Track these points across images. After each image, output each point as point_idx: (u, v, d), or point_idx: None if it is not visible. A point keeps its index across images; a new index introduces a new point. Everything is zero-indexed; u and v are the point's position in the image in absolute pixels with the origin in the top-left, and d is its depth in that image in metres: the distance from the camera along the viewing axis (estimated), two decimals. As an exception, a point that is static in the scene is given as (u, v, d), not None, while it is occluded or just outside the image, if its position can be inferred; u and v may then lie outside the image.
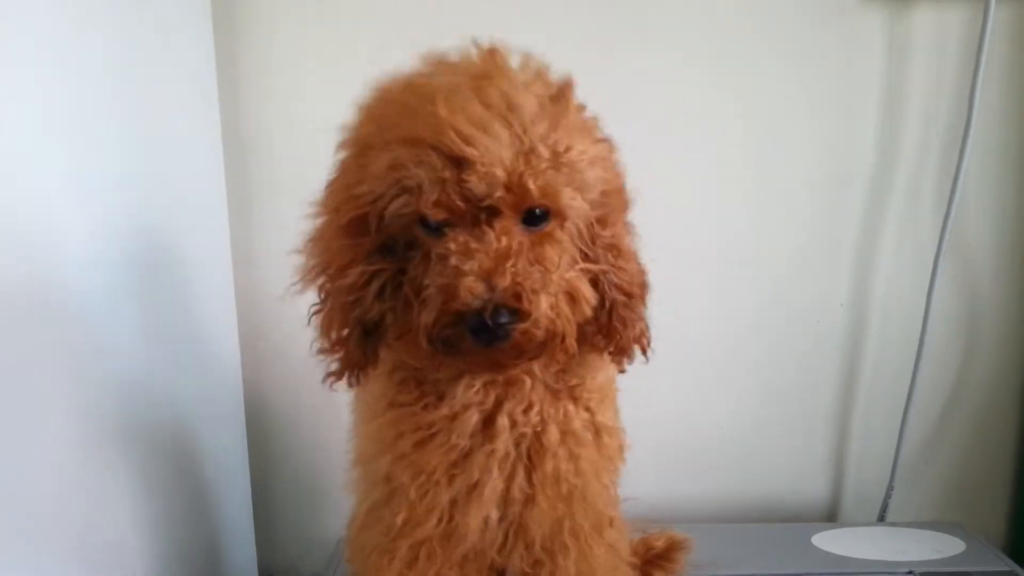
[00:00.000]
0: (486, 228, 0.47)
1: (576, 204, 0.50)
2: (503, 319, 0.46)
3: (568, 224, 0.51)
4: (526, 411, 0.56)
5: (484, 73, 0.48)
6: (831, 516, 1.09)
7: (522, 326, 0.47)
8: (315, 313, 0.54)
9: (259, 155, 0.98)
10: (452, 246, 0.47)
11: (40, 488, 0.58)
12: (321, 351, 0.54)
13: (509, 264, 0.47)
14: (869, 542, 0.92)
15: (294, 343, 1.01)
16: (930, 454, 1.07)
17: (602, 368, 0.60)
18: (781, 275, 1.03)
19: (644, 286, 0.57)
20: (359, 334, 0.52)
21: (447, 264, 0.47)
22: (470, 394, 0.55)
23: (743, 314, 1.04)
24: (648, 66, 0.97)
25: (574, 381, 0.58)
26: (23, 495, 0.56)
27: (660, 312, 1.04)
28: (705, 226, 1.01)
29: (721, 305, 1.03)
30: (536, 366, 0.55)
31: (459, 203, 0.46)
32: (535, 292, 0.47)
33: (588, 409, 0.59)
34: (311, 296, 0.56)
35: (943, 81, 0.98)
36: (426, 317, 0.47)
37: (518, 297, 0.47)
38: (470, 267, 0.46)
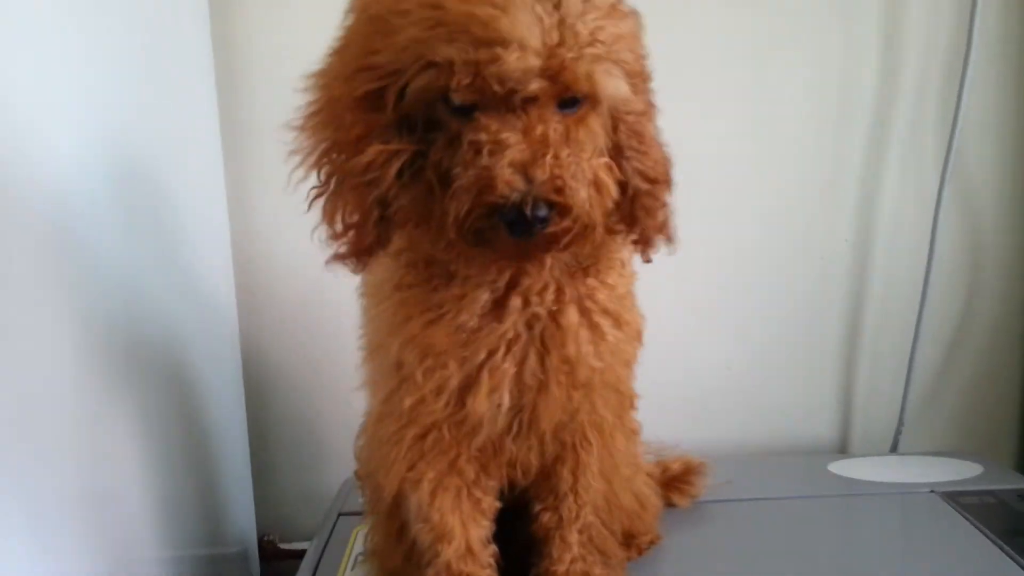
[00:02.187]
0: (521, 114, 0.44)
1: (611, 89, 0.46)
2: (542, 212, 0.43)
3: (601, 108, 0.48)
4: (541, 292, 0.53)
5: None
6: (842, 451, 1.07)
7: (562, 221, 0.44)
8: (319, 195, 0.49)
9: (252, 92, 0.95)
10: (485, 135, 0.44)
11: (37, 430, 0.54)
12: (332, 236, 0.49)
13: (549, 155, 0.44)
14: (886, 468, 0.91)
15: (289, 285, 0.99)
16: (939, 387, 1.06)
17: (618, 248, 0.57)
18: (784, 211, 1.02)
19: (668, 172, 0.54)
20: (376, 217, 0.48)
21: (481, 153, 0.44)
22: (483, 272, 0.52)
23: (747, 252, 1.02)
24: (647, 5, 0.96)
25: (589, 262, 0.55)
26: (20, 435, 0.52)
27: (664, 252, 1.03)
28: (706, 162, 0.99)
29: (725, 243, 1.01)
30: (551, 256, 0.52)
31: (494, 87, 0.43)
32: (575, 185, 0.45)
33: (607, 283, 0.56)
34: (305, 227, 0.53)
35: (941, 11, 0.98)
36: (457, 207, 0.44)
37: (559, 190, 0.44)
38: (507, 158, 0.43)
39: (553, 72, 0.43)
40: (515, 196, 0.43)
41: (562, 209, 0.44)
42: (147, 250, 0.72)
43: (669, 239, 0.56)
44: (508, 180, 0.43)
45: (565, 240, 0.46)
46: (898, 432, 1.02)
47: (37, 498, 0.53)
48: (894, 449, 1.03)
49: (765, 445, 1.05)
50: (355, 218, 0.48)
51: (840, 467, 0.91)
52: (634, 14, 0.49)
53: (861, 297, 1.04)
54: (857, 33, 0.98)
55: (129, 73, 0.70)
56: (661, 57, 0.96)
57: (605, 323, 0.55)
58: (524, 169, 0.43)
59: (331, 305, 0.97)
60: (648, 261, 0.58)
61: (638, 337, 0.60)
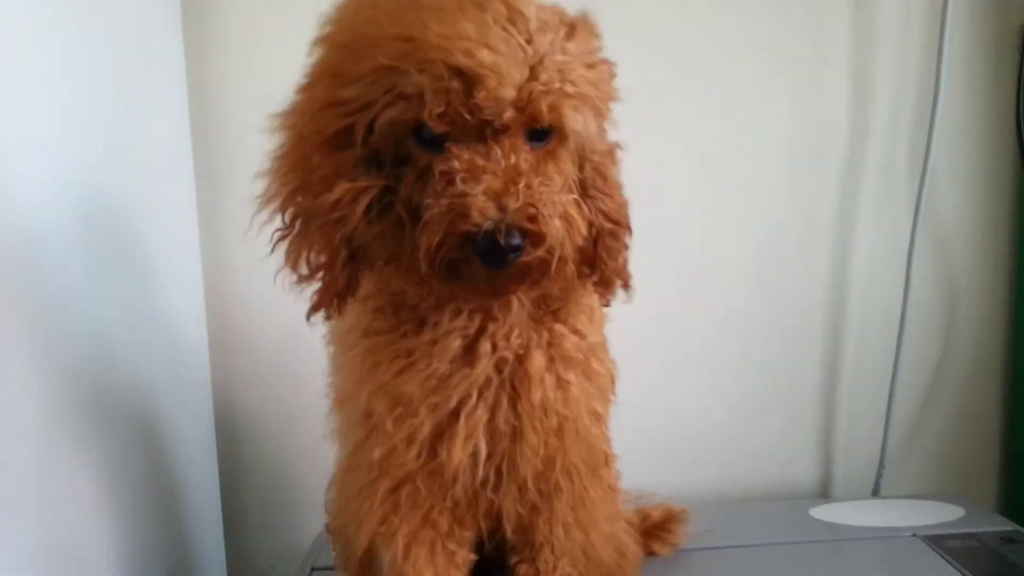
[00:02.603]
0: (492, 144, 0.44)
1: (578, 124, 0.47)
2: (516, 241, 0.43)
3: (569, 143, 0.48)
4: (508, 335, 0.52)
5: None
6: (824, 495, 1.06)
7: (535, 251, 0.44)
8: (284, 237, 0.49)
9: (227, 134, 0.95)
10: (457, 163, 0.44)
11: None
12: (300, 279, 0.49)
13: (521, 183, 0.44)
14: (868, 512, 0.90)
15: (262, 332, 0.98)
16: (919, 429, 1.05)
17: (586, 294, 0.57)
18: (760, 257, 1.02)
19: (628, 216, 0.54)
20: (344, 257, 0.48)
21: (453, 182, 0.44)
22: (453, 318, 0.51)
23: (724, 297, 1.02)
24: (618, 50, 0.97)
25: (557, 305, 0.55)
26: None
27: (640, 297, 1.03)
28: (680, 209, 1.00)
29: (701, 289, 1.02)
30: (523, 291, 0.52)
31: (466, 116, 0.43)
32: (548, 214, 0.45)
33: (576, 331, 0.55)
34: (271, 268, 0.52)
35: (908, 57, 1.00)
36: (428, 239, 0.44)
37: (532, 219, 0.44)
38: (480, 186, 0.43)
39: (523, 103, 0.44)
40: (488, 224, 0.43)
41: (535, 238, 0.44)
42: (116, 293, 0.71)
43: (626, 284, 0.56)
44: (482, 208, 0.43)
45: (537, 272, 0.46)
46: (879, 475, 1.01)
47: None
48: (876, 492, 1.02)
49: (746, 490, 1.04)
50: (322, 259, 0.48)
51: (822, 512, 0.90)
52: (606, 62, 0.50)
53: (838, 340, 1.04)
54: (827, 80, 1.00)
55: (101, 113, 0.70)
56: (635, 104, 0.98)
57: (572, 372, 0.55)
58: (497, 197, 0.43)
59: (305, 352, 0.94)
60: (607, 305, 0.58)
61: (609, 388, 0.59)
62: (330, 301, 0.49)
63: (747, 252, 1.02)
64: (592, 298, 0.57)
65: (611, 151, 0.53)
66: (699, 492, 1.02)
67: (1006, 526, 0.85)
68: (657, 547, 0.78)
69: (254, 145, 0.90)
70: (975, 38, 1.00)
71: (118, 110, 0.73)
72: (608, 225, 0.52)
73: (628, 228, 0.54)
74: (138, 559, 0.71)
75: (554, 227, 0.45)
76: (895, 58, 1.00)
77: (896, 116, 1.01)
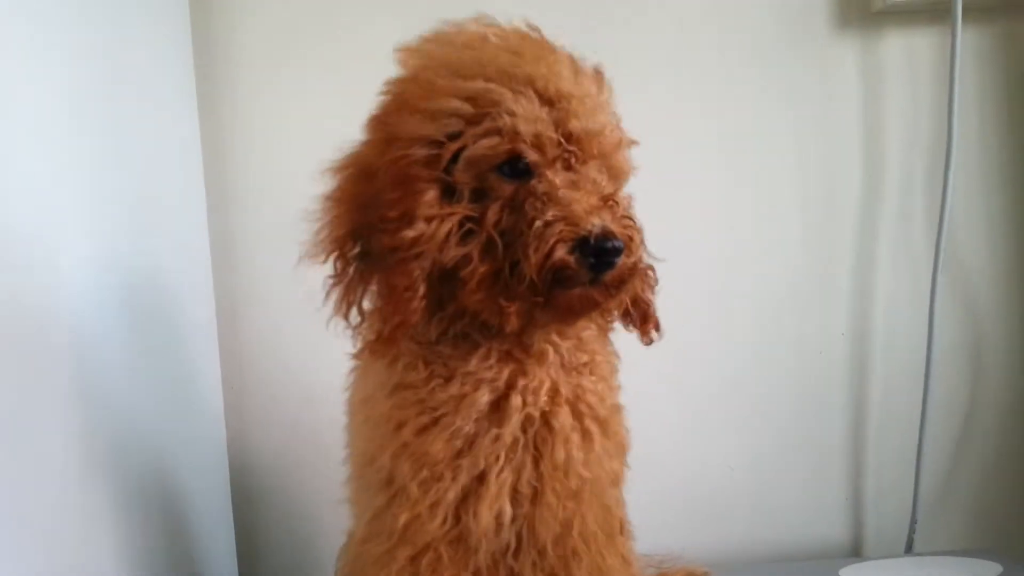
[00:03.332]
0: (580, 167, 0.49)
1: (629, 168, 0.53)
2: (619, 244, 0.47)
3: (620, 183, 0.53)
4: (537, 390, 0.52)
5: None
6: (855, 553, 1.02)
7: (627, 258, 0.48)
8: (339, 283, 0.51)
9: (243, 205, 0.96)
10: (558, 180, 0.47)
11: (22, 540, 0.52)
12: (385, 317, 0.49)
13: (610, 201, 0.49)
14: (901, 571, 0.86)
15: (279, 395, 0.97)
16: (951, 481, 1.02)
17: (610, 346, 0.57)
18: (779, 309, 1.01)
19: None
20: (423, 291, 0.49)
21: (555, 200, 0.47)
22: (483, 369, 0.52)
23: (743, 351, 1.01)
24: (628, 104, 0.98)
25: (585, 358, 0.55)
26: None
27: (659, 352, 1.02)
28: (695, 261, 0.99)
29: (719, 343, 1.00)
30: (561, 338, 0.54)
31: (559, 145, 0.47)
32: (634, 229, 0.50)
33: (602, 385, 0.55)
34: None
35: (920, 103, 1.00)
36: (540, 249, 0.46)
37: (626, 227, 0.49)
38: (582, 202, 0.47)
39: (604, 133, 0.50)
40: (597, 228, 0.46)
41: (628, 245, 0.48)
42: (132, 357, 0.71)
43: (658, 325, 0.59)
44: (589, 216, 0.46)
45: (623, 285, 0.50)
46: (912, 531, 0.98)
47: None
48: (909, 549, 0.98)
49: (773, 550, 1.01)
50: (408, 294, 0.48)
51: (852, 571, 0.87)
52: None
53: (863, 391, 1.02)
54: (839, 129, 1.00)
55: (121, 183, 0.71)
56: (650, 156, 0.99)
57: (595, 429, 0.54)
58: (596, 210, 0.47)
59: (322, 414, 0.95)
60: (649, 342, 0.58)
61: (623, 452, 0.58)
62: (403, 332, 0.50)
63: (764, 304, 1.00)
64: (608, 351, 0.57)
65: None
66: (724, 552, 0.99)
67: (1048, 584, 0.81)
68: (679, 612, 0.76)
69: (269, 215, 0.92)
70: (986, 80, 1.00)
71: (135, 182, 0.75)
72: (644, 261, 0.55)
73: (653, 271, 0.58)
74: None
75: (637, 237, 0.50)
76: (906, 105, 1.00)
77: (910, 162, 1.00)
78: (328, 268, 0.51)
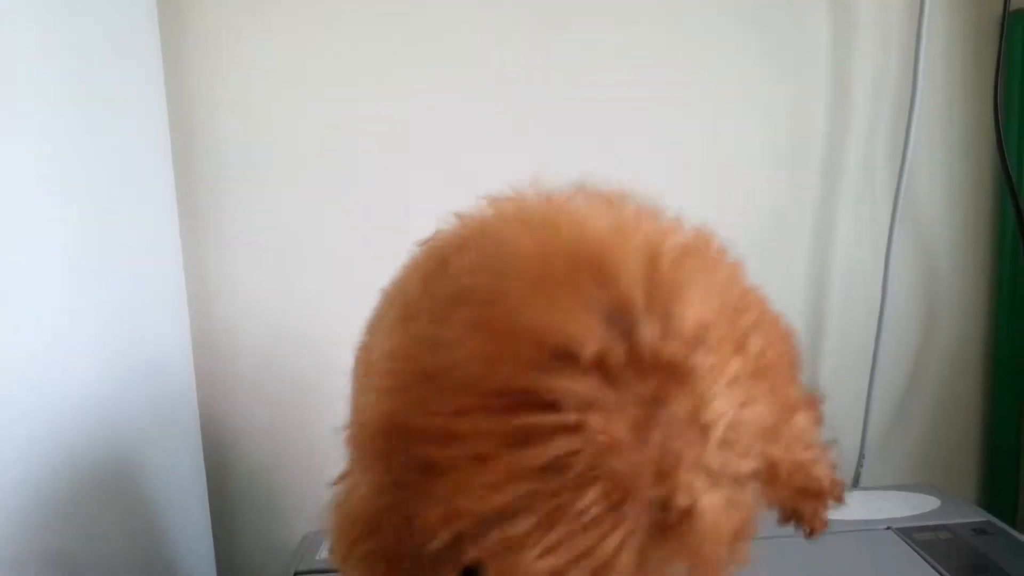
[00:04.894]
0: None
1: None
2: None
3: None
4: None
5: None
6: (804, 488, 1.07)
7: None
8: None
9: (210, 173, 0.96)
10: None
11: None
12: None
13: None
14: (846, 505, 0.91)
15: (247, 337, 0.99)
16: (898, 422, 1.06)
17: None
18: (738, 251, 1.02)
19: None
20: None
21: None
22: None
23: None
24: (596, 52, 0.98)
25: None
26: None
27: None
28: (656, 200, 1.00)
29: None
30: None
31: None
32: None
33: None
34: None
35: (888, 52, 1.00)
36: None
37: None
38: None
39: None
40: None
41: None
42: (102, 326, 0.72)
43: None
44: None
45: None
46: (859, 466, 1.03)
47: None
48: (856, 483, 1.03)
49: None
50: None
51: (800, 504, 0.91)
52: None
53: (818, 337, 1.05)
54: (804, 79, 1.00)
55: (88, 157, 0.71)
56: (611, 105, 1.00)
57: None
58: None
59: (292, 356, 0.98)
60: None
61: None
62: None
63: (730, 244, 1.02)
64: None
65: None
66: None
67: (980, 517, 0.85)
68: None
69: (237, 185, 0.91)
70: (954, 32, 1.00)
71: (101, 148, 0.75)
72: None
73: None
74: (128, 567, 0.73)
75: None
76: (874, 56, 1.00)
77: (875, 110, 1.01)
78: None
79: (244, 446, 1.00)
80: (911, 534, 0.81)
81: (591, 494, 0.29)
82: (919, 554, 0.77)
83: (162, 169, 0.89)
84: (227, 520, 1.01)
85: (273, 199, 0.96)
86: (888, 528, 0.83)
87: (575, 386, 0.29)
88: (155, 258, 0.86)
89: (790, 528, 0.85)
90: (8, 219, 0.57)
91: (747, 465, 0.33)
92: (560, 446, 0.29)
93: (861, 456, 1.02)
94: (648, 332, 0.31)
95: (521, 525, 0.29)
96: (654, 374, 0.30)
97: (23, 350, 0.58)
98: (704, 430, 0.31)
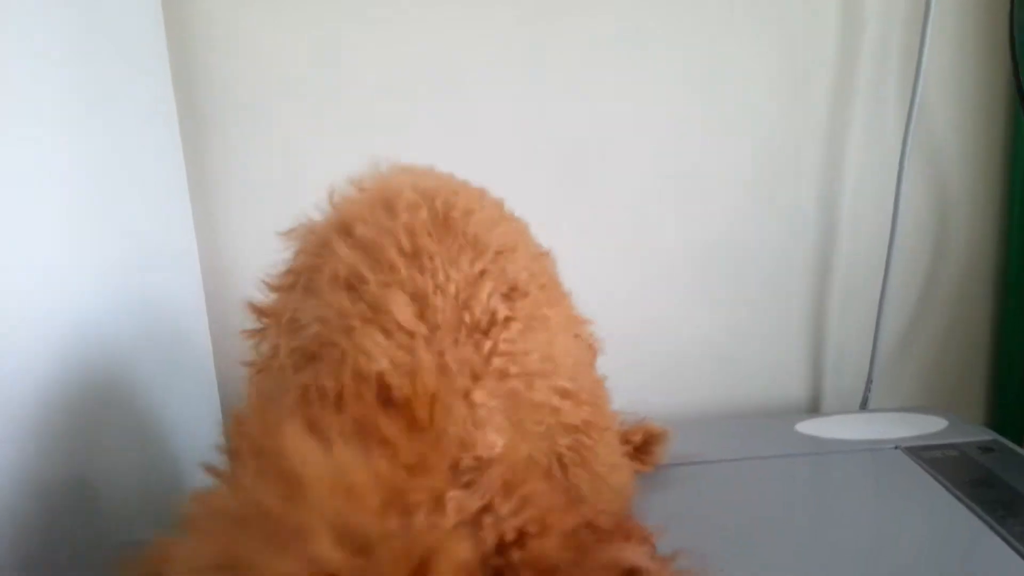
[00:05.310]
0: None
1: None
2: None
3: None
4: None
5: None
6: (812, 411, 1.07)
7: None
8: None
9: (215, 112, 0.94)
10: None
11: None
12: None
13: None
14: (853, 426, 0.91)
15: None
16: (908, 343, 1.06)
17: None
18: (749, 177, 1.01)
19: None
20: None
21: None
22: None
23: (712, 216, 1.02)
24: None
25: None
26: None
27: (631, 223, 1.02)
28: (666, 131, 0.99)
29: (688, 208, 1.01)
30: None
31: None
32: None
33: None
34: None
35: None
36: None
37: None
38: None
39: None
40: None
41: None
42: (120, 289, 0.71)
43: None
44: None
45: None
46: (867, 389, 1.02)
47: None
48: (864, 406, 1.03)
49: (735, 408, 1.06)
50: None
51: (807, 427, 0.92)
52: None
53: (828, 258, 1.04)
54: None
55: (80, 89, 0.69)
56: (623, 26, 0.97)
57: None
58: None
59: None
60: None
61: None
62: None
63: (735, 172, 1.01)
64: None
65: None
66: (688, 411, 1.04)
67: (986, 436, 0.86)
68: (639, 467, 0.80)
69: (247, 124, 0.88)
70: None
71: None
72: None
73: None
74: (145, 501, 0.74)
75: None
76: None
77: (886, 36, 0.98)
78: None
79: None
80: (919, 453, 0.82)
81: None
82: (927, 471, 0.77)
83: (165, 102, 0.87)
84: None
85: (279, 135, 0.95)
86: (896, 447, 0.84)
87: None
88: (162, 195, 0.85)
89: (804, 446, 0.86)
90: (20, 161, 0.56)
91: None
92: None
93: (869, 380, 1.02)
94: None
95: None
96: None
97: (35, 290, 0.58)
98: None
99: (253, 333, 0.54)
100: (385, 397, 0.36)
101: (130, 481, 0.72)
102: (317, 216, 0.58)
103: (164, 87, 0.88)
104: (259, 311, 0.53)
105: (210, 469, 0.37)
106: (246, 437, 0.36)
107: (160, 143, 0.86)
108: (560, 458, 0.61)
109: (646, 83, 0.96)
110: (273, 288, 0.54)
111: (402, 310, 0.42)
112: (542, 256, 0.62)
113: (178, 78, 0.91)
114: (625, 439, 0.80)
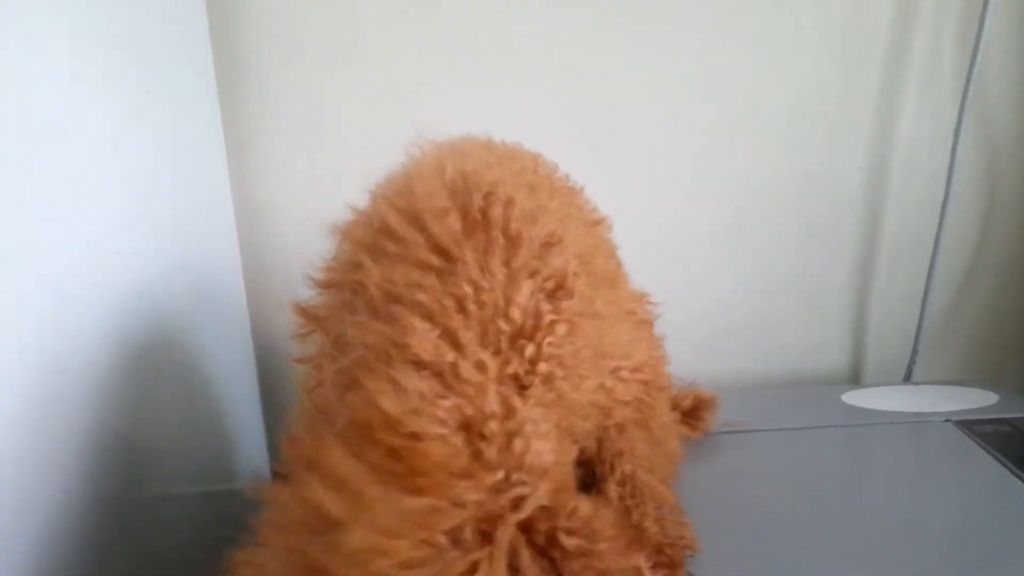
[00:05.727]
0: None
1: None
2: None
3: None
4: None
5: None
6: (854, 381, 1.06)
7: None
8: None
9: (252, 57, 0.92)
10: None
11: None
12: None
13: None
14: (901, 398, 0.90)
15: (294, 223, 0.98)
16: (954, 316, 1.04)
17: None
18: (798, 136, 0.98)
19: None
20: None
21: None
22: None
23: (758, 178, 0.99)
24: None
25: None
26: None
27: (666, 186, 1.00)
28: (716, 92, 0.96)
29: (736, 173, 0.99)
30: None
31: None
32: None
33: None
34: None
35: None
36: None
37: None
38: None
39: None
40: None
41: None
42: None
43: None
44: None
45: None
46: (912, 361, 1.01)
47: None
48: (908, 379, 1.02)
49: (779, 376, 1.05)
50: None
51: (854, 397, 0.90)
52: None
53: (876, 225, 1.02)
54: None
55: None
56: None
57: None
58: None
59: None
60: None
61: None
62: None
63: (785, 131, 0.98)
64: None
65: None
66: (733, 379, 1.03)
67: (1039, 410, 0.84)
68: (688, 433, 0.79)
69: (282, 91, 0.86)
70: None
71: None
72: None
73: None
74: (189, 442, 0.74)
75: None
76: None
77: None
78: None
79: (289, 325, 1.00)
80: (971, 427, 0.80)
81: None
82: (980, 445, 0.76)
83: (202, 51, 0.85)
84: (276, 397, 1.02)
85: (315, 82, 0.93)
86: (947, 420, 0.82)
87: None
88: (199, 145, 0.84)
89: (852, 418, 0.86)
90: (62, 115, 0.55)
91: None
92: None
93: (914, 352, 1.01)
94: None
95: None
96: None
97: (82, 242, 0.57)
98: None
99: (301, 336, 0.52)
100: (417, 433, 0.36)
101: (177, 432, 0.72)
102: (358, 208, 0.56)
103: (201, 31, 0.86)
104: (305, 313, 0.51)
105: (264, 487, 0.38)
106: (300, 457, 0.37)
107: (195, 91, 0.84)
108: (618, 425, 0.60)
109: (695, 42, 0.94)
110: (319, 285, 0.52)
111: (429, 340, 0.40)
112: (596, 227, 0.61)
113: (214, 21, 0.89)
114: (675, 404, 0.79)
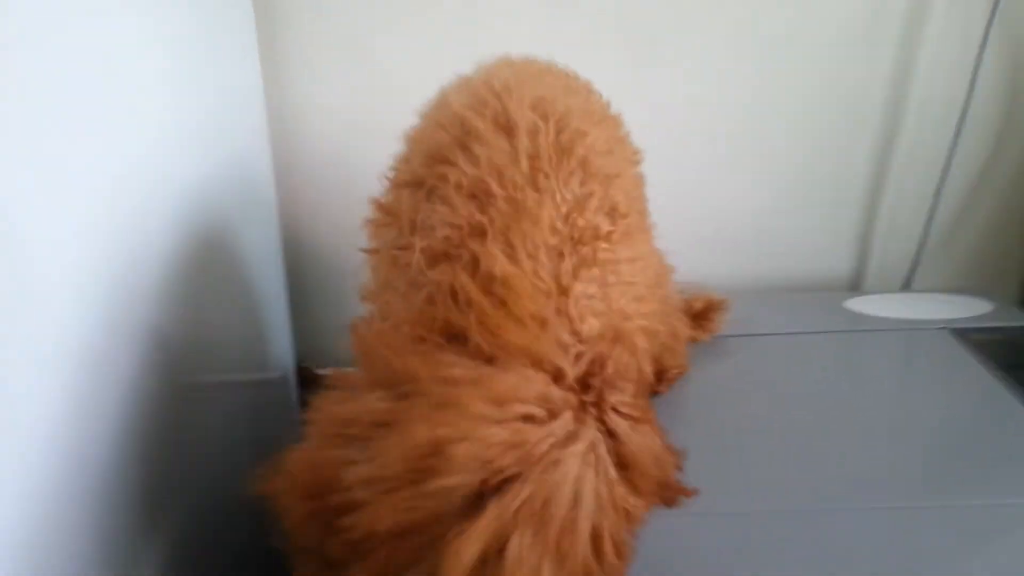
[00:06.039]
0: None
1: None
2: None
3: None
4: None
5: None
6: (855, 288, 1.10)
7: None
8: None
9: None
10: None
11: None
12: None
13: None
14: (900, 305, 0.94)
15: (324, 114, 0.99)
16: (958, 227, 1.07)
17: None
18: (821, 42, 0.98)
19: None
20: None
21: None
22: None
23: (774, 83, 1.00)
24: None
25: None
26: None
27: (687, 91, 1.01)
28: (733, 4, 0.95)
29: (750, 77, 0.99)
30: None
31: None
32: None
33: None
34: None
35: None
36: None
37: None
38: None
39: None
40: None
41: None
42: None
43: None
44: None
45: None
46: (912, 271, 1.04)
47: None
48: (906, 287, 1.05)
49: (784, 281, 1.08)
50: None
51: (855, 304, 0.94)
52: None
53: (892, 134, 1.02)
54: None
55: None
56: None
57: None
58: None
59: (366, 136, 0.97)
60: None
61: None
62: None
63: (805, 37, 0.98)
64: None
65: None
66: (740, 282, 1.07)
67: (1031, 320, 0.88)
68: (698, 334, 0.83)
69: None
70: None
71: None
72: None
73: None
74: (217, 333, 0.77)
75: None
76: None
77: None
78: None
79: (317, 228, 1.04)
80: (965, 334, 0.85)
81: None
82: (972, 353, 0.80)
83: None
84: (302, 296, 1.06)
85: None
86: (942, 328, 0.87)
87: None
88: (235, 59, 0.85)
89: (854, 323, 0.89)
90: (113, 39, 0.56)
91: None
92: None
93: (916, 262, 1.04)
94: None
95: None
96: None
97: (133, 151, 0.59)
98: None
99: (375, 224, 0.57)
100: (503, 296, 0.44)
101: (222, 324, 0.76)
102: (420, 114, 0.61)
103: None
104: (381, 207, 0.56)
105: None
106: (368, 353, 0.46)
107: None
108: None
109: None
110: (395, 184, 0.57)
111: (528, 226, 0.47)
112: (639, 181, 0.64)
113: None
114: (687, 307, 0.83)
